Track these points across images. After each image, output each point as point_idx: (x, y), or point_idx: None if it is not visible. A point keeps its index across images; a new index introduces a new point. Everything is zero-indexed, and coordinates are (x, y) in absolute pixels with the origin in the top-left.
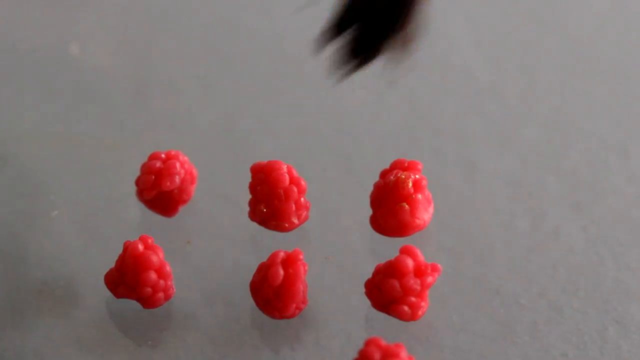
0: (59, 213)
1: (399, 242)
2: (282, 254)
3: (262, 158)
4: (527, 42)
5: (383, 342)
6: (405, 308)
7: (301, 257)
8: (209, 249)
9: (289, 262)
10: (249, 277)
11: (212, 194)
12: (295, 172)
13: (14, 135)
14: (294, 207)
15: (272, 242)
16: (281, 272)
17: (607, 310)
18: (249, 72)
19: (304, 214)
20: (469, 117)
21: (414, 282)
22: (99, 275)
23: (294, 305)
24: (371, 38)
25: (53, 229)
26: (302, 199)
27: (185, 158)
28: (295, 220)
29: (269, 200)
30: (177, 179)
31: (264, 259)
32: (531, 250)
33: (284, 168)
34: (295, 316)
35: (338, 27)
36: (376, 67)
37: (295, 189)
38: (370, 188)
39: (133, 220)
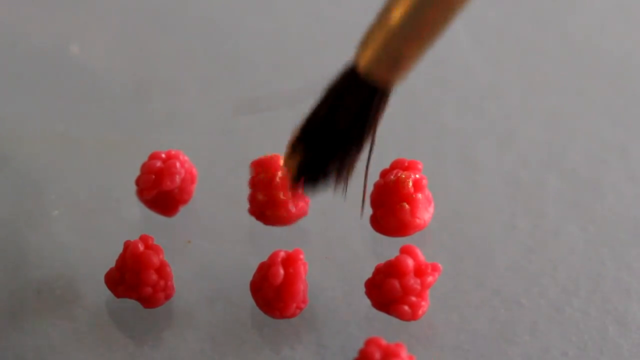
0: (59, 213)
1: (399, 241)
2: (282, 254)
3: None
4: (527, 42)
5: (383, 342)
6: (406, 308)
7: (301, 256)
8: (209, 249)
9: (289, 261)
10: (249, 277)
11: (212, 193)
12: None
13: (14, 135)
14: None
15: (273, 242)
16: (281, 271)
17: (607, 310)
18: (249, 72)
19: (302, 205)
20: (469, 117)
21: (414, 282)
22: (99, 275)
23: (294, 305)
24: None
25: (53, 229)
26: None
27: (186, 158)
28: (292, 209)
29: (267, 190)
30: (178, 179)
31: (264, 259)
32: (531, 250)
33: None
34: (296, 316)
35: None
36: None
37: None
38: (370, 188)
39: (133, 220)
